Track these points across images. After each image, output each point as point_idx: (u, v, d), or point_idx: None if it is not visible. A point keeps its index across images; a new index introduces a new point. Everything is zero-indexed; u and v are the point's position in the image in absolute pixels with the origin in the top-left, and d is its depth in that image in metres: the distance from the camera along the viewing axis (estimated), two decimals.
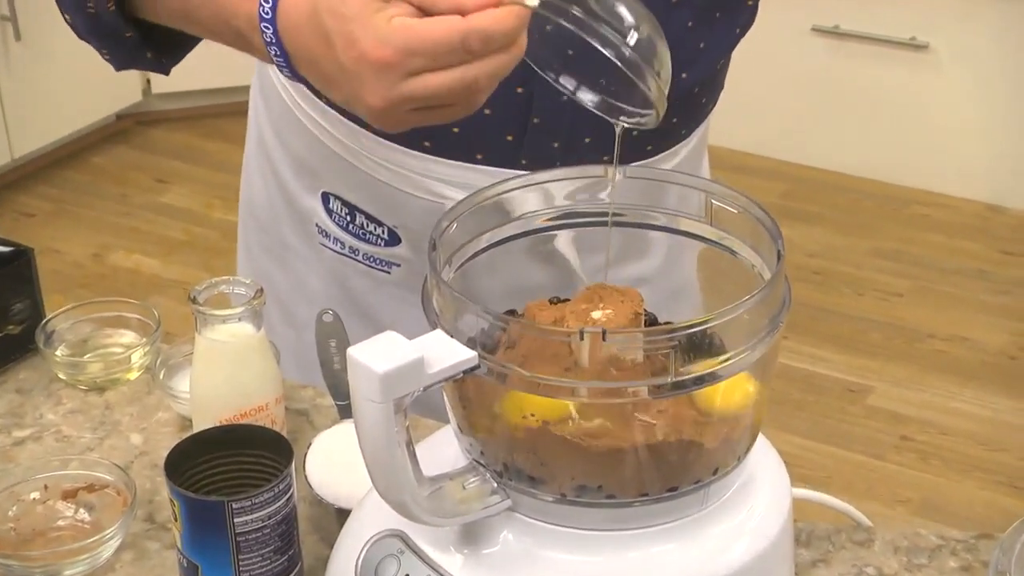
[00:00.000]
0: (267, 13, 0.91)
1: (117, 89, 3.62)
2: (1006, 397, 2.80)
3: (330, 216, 1.24)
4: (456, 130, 1.13)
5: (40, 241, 3.20)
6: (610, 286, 0.92)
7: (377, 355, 0.80)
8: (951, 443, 2.68)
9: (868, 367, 2.89)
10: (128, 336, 1.29)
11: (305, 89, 1.19)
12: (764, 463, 0.95)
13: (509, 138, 1.13)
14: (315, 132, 1.21)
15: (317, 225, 1.26)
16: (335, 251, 1.26)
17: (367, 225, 1.22)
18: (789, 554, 0.94)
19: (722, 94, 1.26)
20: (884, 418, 2.74)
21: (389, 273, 1.24)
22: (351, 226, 1.23)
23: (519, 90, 1.11)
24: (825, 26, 3.47)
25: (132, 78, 3.63)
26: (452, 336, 0.84)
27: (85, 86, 3.52)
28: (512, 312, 0.96)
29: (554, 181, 0.97)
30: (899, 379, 2.85)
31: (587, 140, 1.14)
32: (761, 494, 0.92)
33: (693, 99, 1.19)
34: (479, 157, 1.15)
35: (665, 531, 0.88)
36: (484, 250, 0.96)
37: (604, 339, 0.81)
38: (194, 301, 1.07)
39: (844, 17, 3.45)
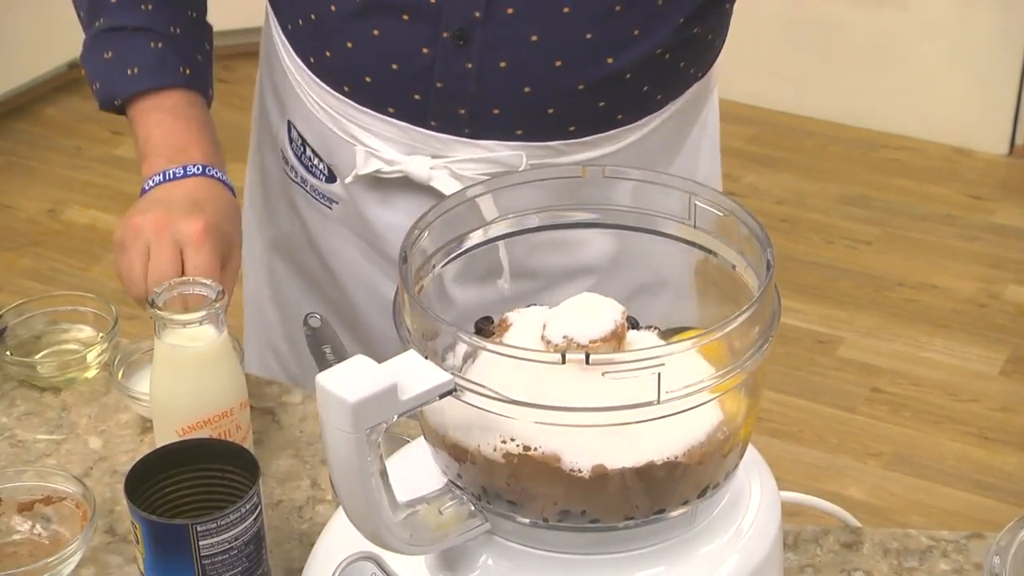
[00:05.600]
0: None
1: (69, 37, 3.50)
2: (975, 346, 2.78)
3: (291, 144, 1.27)
4: (368, 79, 1.15)
5: None
6: (591, 295, 0.87)
7: (347, 383, 0.76)
8: (921, 394, 2.66)
9: (838, 317, 2.86)
10: (85, 331, 1.23)
11: (274, 18, 1.22)
12: (752, 473, 0.92)
13: (416, 97, 1.15)
14: (285, 62, 1.24)
15: (282, 151, 1.29)
16: (291, 178, 1.28)
17: (313, 159, 1.25)
18: (778, 564, 0.91)
19: None
20: (854, 369, 2.72)
21: (331, 208, 1.25)
22: (303, 157, 1.26)
23: (424, 51, 1.12)
24: None
25: None
26: (425, 355, 0.80)
27: (35, 34, 3.41)
28: (488, 320, 0.91)
29: (529, 183, 0.92)
30: (869, 329, 2.82)
31: (495, 112, 1.14)
32: (750, 508, 0.89)
33: (627, 85, 1.14)
34: (390, 110, 1.16)
35: (652, 554, 0.85)
36: (458, 256, 0.92)
37: (587, 362, 0.77)
38: (152, 305, 1.02)
39: None
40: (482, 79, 1.10)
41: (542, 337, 0.84)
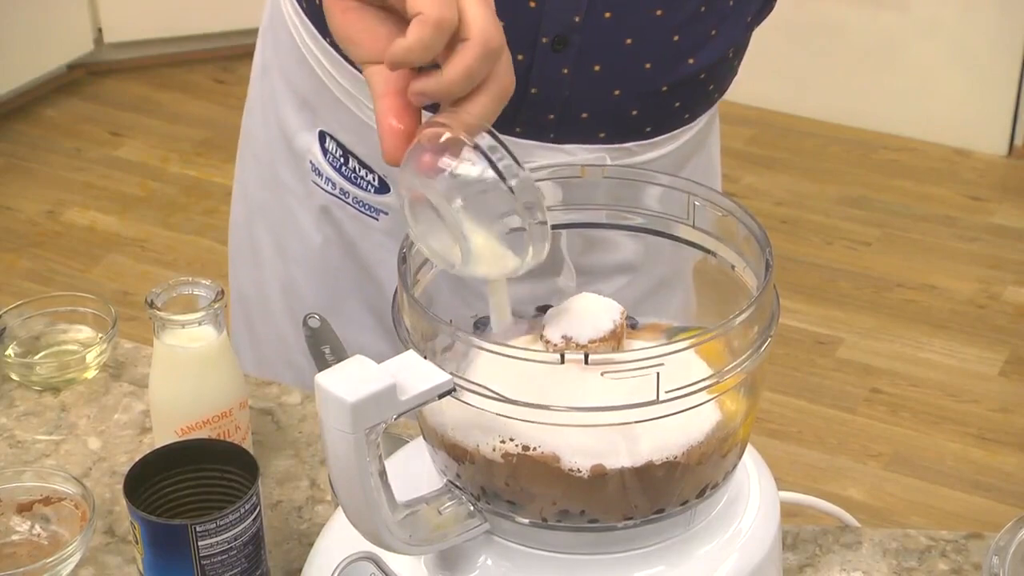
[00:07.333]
0: None
1: (68, 39, 3.52)
2: (974, 347, 2.78)
3: (325, 156, 1.23)
4: None
5: None
6: (591, 296, 0.87)
7: (346, 383, 0.76)
8: (921, 395, 2.66)
9: (837, 318, 2.86)
10: (84, 332, 1.23)
11: (314, 29, 1.18)
12: (751, 473, 0.92)
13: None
14: (319, 73, 1.19)
15: (311, 163, 1.24)
16: (326, 191, 1.24)
17: (359, 170, 1.20)
18: (777, 564, 0.91)
19: None
20: (854, 370, 2.72)
21: (377, 220, 1.22)
22: (344, 168, 1.21)
23: (519, 57, 1.08)
24: None
25: (83, 27, 3.54)
26: (424, 355, 0.80)
27: (34, 36, 3.42)
28: (487, 320, 0.91)
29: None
30: (868, 330, 2.83)
31: (584, 116, 1.12)
32: (749, 508, 0.89)
33: (699, 85, 1.15)
34: None
35: (651, 554, 0.85)
36: None
37: (586, 362, 0.77)
38: (151, 305, 1.02)
39: None
40: (576, 84, 1.09)
41: (541, 337, 0.84)
